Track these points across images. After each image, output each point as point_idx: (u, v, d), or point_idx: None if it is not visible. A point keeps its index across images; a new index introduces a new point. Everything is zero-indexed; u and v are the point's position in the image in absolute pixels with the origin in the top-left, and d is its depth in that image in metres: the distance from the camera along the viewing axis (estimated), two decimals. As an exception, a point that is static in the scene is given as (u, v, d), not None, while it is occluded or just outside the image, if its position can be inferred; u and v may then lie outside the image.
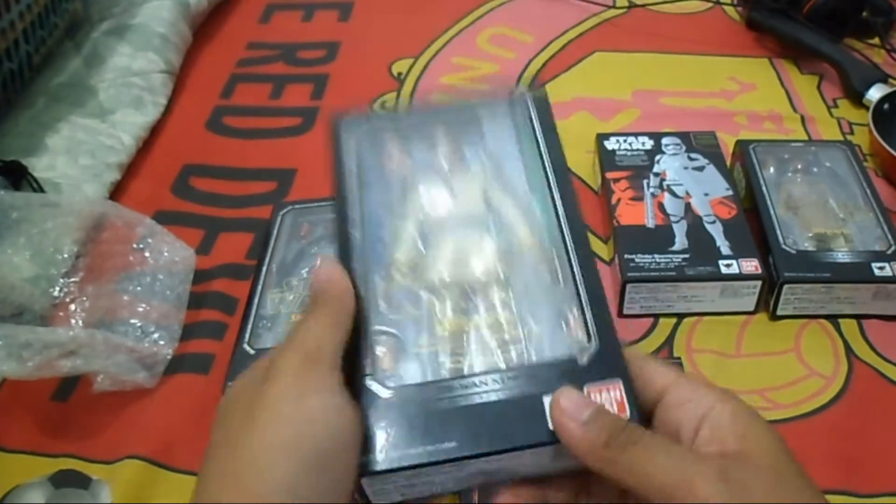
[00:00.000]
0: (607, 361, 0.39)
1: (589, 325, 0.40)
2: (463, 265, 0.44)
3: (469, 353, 0.40)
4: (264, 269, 0.70)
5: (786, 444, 0.37)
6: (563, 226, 0.44)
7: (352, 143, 0.49)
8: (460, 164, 0.48)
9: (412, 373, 0.40)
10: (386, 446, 0.37)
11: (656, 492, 0.34)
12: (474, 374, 0.39)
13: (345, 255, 0.43)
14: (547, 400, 0.37)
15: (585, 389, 0.38)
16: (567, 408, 0.36)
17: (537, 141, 0.49)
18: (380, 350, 0.40)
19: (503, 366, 0.40)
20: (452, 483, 0.39)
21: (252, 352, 0.63)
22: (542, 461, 0.38)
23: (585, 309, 0.41)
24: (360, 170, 0.48)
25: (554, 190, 0.46)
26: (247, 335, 0.65)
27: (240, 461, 0.36)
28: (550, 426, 0.37)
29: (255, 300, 0.68)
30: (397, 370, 0.40)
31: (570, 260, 0.43)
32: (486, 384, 0.39)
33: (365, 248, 0.44)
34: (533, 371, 0.39)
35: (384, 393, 0.38)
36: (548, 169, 0.48)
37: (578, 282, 0.42)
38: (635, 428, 0.36)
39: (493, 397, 0.38)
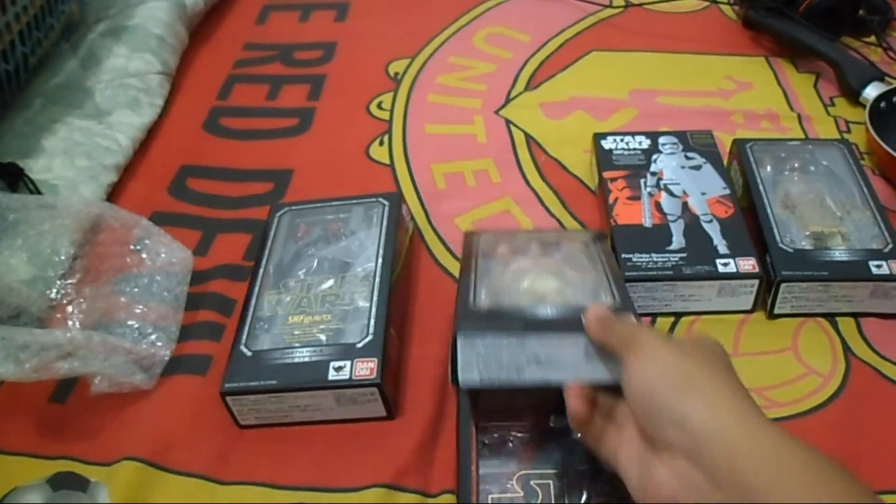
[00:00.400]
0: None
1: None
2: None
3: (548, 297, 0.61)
4: (261, 270, 0.70)
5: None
6: None
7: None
8: None
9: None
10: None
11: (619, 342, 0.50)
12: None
13: None
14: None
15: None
16: (592, 307, 0.53)
17: None
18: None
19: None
20: (516, 370, 0.53)
21: (249, 353, 0.63)
22: (579, 359, 0.52)
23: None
24: None
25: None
26: (244, 337, 0.65)
27: None
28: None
29: (252, 302, 0.67)
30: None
31: None
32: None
33: None
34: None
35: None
36: None
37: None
38: (627, 315, 0.56)
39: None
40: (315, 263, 0.71)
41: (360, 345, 0.63)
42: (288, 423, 0.63)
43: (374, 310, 0.65)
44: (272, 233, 0.74)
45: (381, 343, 0.63)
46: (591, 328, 0.52)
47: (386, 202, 0.76)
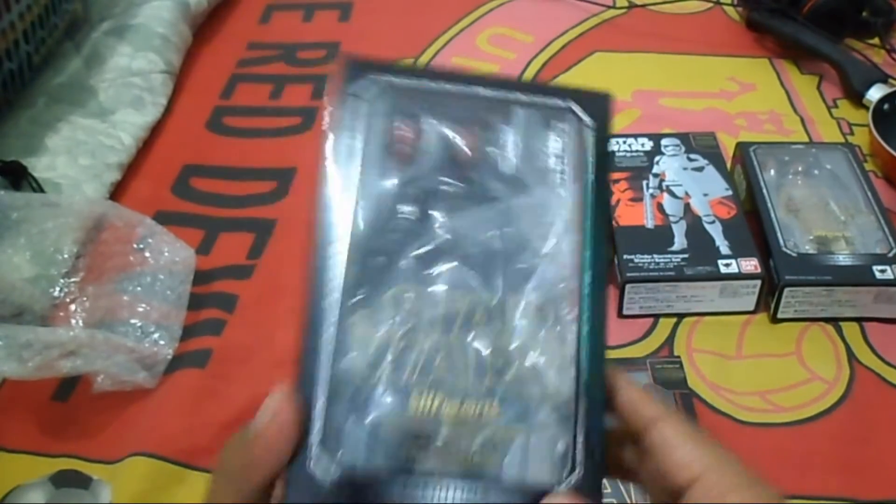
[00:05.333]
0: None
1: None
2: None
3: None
4: (334, 243, 0.51)
5: None
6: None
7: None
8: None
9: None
10: None
11: None
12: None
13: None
14: None
15: None
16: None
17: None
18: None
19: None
20: None
21: (326, 484, 0.36)
22: None
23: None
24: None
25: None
26: (315, 444, 0.30)
27: None
28: None
29: (322, 337, 0.41)
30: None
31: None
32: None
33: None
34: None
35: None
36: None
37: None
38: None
39: None
40: (445, 250, 0.35)
41: (559, 488, 0.33)
42: None
43: (584, 401, 0.34)
44: (339, 130, 0.36)
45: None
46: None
47: (583, 109, 0.39)
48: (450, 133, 0.37)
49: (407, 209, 0.35)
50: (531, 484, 0.32)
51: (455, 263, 0.35)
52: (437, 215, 0.35)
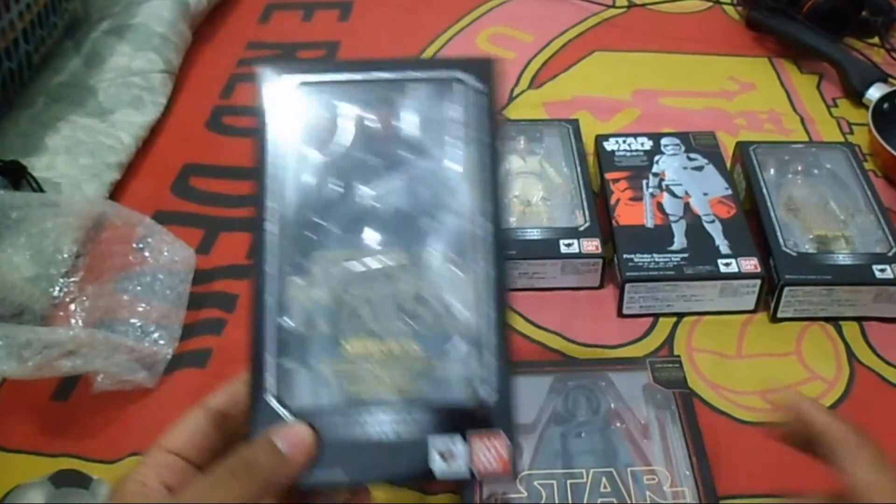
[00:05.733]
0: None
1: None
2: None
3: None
4: (265, 226, 0.56)
5: None
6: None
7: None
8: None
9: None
10: None
11: None
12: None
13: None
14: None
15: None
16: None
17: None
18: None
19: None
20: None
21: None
22: None
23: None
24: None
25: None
26: (267, 381, 0.41)
27: None
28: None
29: (266, 299, 0.50)
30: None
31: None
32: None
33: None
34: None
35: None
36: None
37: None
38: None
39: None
40: (367, 216, 0.41)
41: (476, 411, 0.39)
42: None
43: (494, 331, 0.40)
44: (266, 126, 0.44)
45: (510, 418, 0.39)
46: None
47: (470, 76, 0.43)
48: (360, 115, 0.43)
49: (331, 184, 0.42)
50: (452, 403, 0.39)
51: (375, 226, 0.42)
52: (358, 185, 0.42)
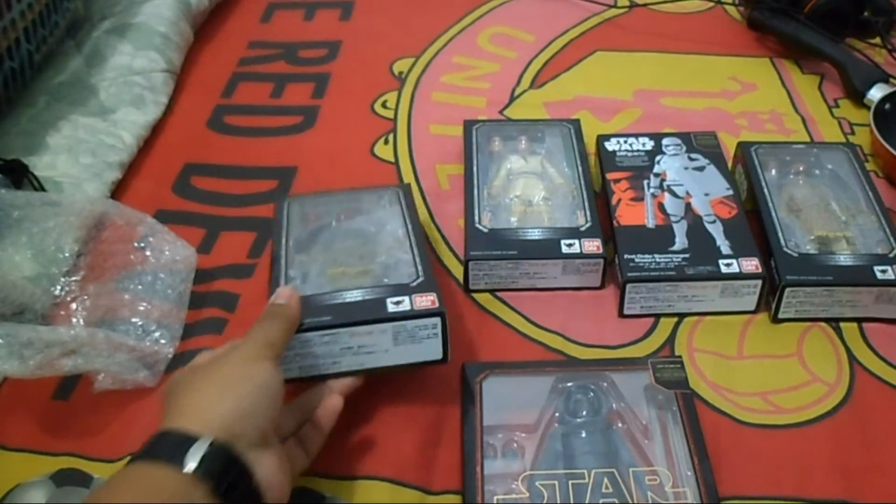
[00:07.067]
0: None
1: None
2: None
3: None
4: (282, 243, 0.68)
5: None
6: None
7: None
8: None
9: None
10: None
11: None
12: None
13: None
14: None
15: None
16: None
17: None
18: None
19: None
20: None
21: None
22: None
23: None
24: None
25: None
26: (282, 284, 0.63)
27: (198, 395, 0.50)
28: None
29: (282, 263, 0.66)
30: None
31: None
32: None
33: None
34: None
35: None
36: None
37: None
38: None
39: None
40: (337, 235, 0.71)
41: (413, 284, 0.62)
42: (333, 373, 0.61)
43: (417, 259, 0.65)
44: (284, 219, 0.72)
45: (435, 282, 0.62)
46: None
47: (399, 190, 0.75)
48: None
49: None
50: (398, 284, 0.63)
51: (347, 235, 0.71)
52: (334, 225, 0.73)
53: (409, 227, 0.70)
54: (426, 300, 0.60)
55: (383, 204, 0.74)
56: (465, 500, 0.57)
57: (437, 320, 0.59)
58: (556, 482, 0.56)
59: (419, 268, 0.64)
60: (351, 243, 0.69)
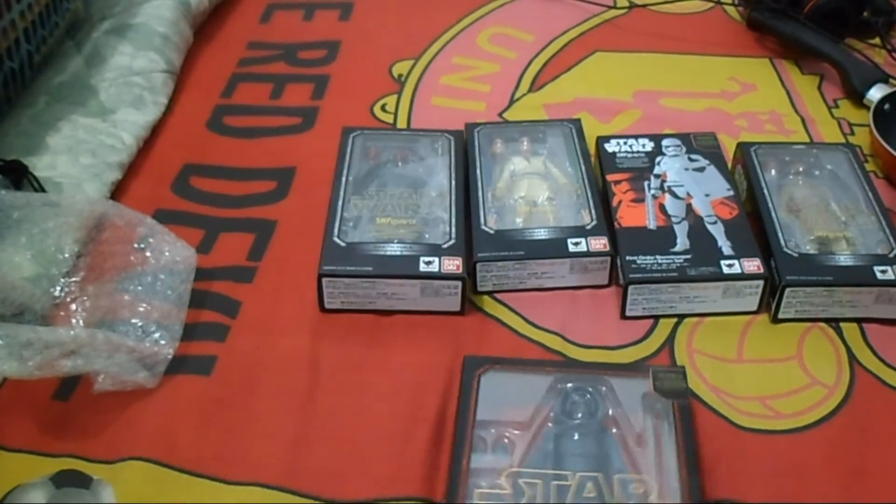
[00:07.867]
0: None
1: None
2: None
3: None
4: (343, 179, 0.79)
5: None
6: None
7: None
8: None
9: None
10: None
11: None
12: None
13: None
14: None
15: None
16: None
17: None
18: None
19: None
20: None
21: (342, 244, 0.72)
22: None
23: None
24: None
25: None
26: (335, 230, 0.73)
27: None
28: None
29: (339, 204, 0.76)
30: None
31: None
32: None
33: None
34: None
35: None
36: None
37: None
38: None
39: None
40: (391, 178, 0.80)
41: (445, 246, 0.72)
42: (371, 310, 0.72)
43: (453, 220, 0.74)
44: (348, 150, 0.82)
45: (464, 247, 0.72)
46: None
47: (451, 137, 0.84)
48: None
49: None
50: (432, 244, 0.72)
51: (399, 182, 0.80)
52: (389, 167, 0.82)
53: (454, 182, 0.79)
54: (453, 264, 0.70)
55: (436, 148, 0.84)
56: (447, 490, 0.56)
57: (459, 283, 0.69)
58: (539, 481, 0.56)
59: (453, 229, 0.73)
60: (400, 191, 0.78)
